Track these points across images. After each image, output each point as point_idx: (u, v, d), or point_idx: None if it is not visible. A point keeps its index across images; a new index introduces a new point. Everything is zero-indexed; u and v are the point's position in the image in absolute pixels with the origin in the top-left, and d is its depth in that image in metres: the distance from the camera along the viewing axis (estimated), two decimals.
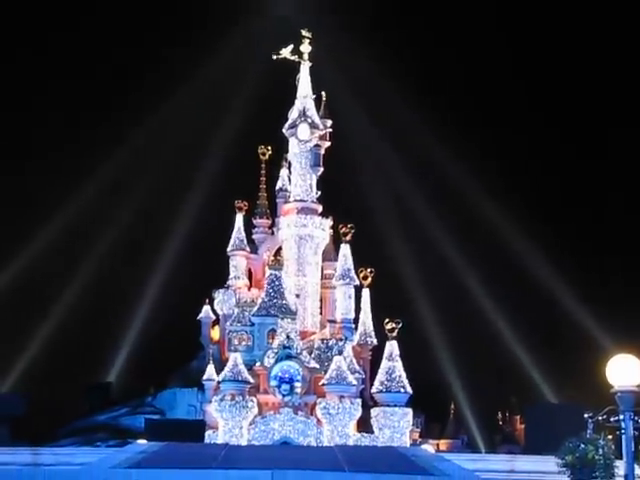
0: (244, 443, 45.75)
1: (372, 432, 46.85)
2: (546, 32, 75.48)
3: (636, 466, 23.50)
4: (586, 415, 26.17)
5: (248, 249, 55.82)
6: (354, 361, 50.22)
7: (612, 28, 73.72)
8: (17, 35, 73.79)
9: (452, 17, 75.56)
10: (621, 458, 24.90)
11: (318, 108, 56.09)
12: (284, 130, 55.41)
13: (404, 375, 47.25)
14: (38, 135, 72.11)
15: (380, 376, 47.34)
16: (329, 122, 56.52)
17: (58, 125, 72.36)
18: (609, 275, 69.58)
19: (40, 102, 72.14)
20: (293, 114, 55.26)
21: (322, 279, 55.22)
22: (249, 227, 57.13)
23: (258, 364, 49.29)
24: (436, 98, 72.00)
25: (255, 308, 51.38)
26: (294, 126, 54.93)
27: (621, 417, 23.57)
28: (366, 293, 53.97)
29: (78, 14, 73.72)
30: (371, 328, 53.66)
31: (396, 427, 46.50)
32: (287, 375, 48.44)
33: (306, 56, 56.31)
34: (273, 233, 56.78)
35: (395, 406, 46.71)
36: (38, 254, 64.95)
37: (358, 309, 53.62)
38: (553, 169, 73.73)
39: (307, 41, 56.25)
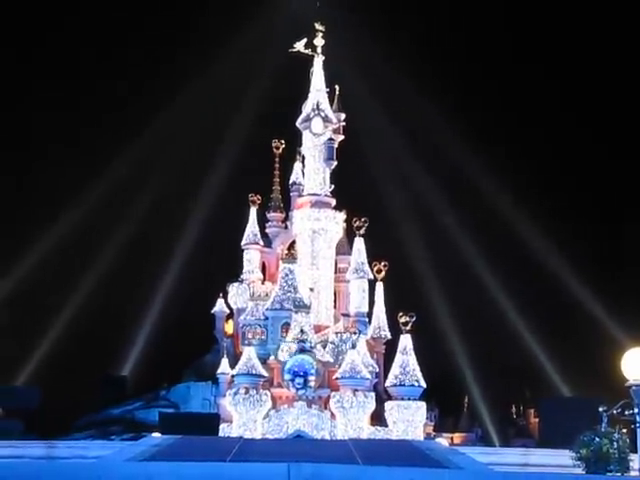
0: (258, 436, 45.84)
1: (386, 426, 46.88)
2: (563, 24, 75.15)
3: None
4: (601, 409, 26.13)
5: (262, 243, 55.89)
6: (368, 355, 50.25)
7: None
8: (35, 19, 73.82)
9: (466, 12, 75.35)
10: (636, 451, 24.93)
11: (332, 102, 56.11)
12: (298, 124, 55.41)
13: (418, 369, 47.21)
14: (55, 127, 72.15)
15: (394, 370, 47.32)
16: (342, 116, 56.53)
17: (72, 118, 72.48)
18: (624, 268, 69.35)
19: (54, 95, 72.24)
20: (307, 108, 55.26)
21: (336, 273, 55.22)
22: (263, 221, 57.21)
23: (272, 358, 49.37)
24: (451, 92, 71.90)
25: (269, 302, 51.43)
26: (308, 120, 54.92)
27: (636, 410, 23.59)
28: (380, 287, 54.02)
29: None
30: (385, 322, 53.74)
31: (410, 421, 46.48)
32: (301, 369, 48.48)
33: (319, 50, 56.32)
34: (287, 227, 56.85)
35: (409, 400, 46.70)
36: (52, 247, 65.23)
37: (372, 303, 53.66)
38: (569, 163, 73.43)
39: (320, 35, 56.26)
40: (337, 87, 56.79)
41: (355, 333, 50.39)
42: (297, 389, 48.21)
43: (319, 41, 56.24)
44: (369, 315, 53.20)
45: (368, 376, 47.84)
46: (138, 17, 73.18)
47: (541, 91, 75.86)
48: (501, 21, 76.07)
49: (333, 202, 54.81)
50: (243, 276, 54.80)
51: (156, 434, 41.83)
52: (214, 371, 50.96)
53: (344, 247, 55.63)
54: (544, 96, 75.59)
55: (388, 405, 46.96)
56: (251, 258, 55.35)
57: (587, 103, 74.58)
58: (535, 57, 76.64)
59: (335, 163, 55.19)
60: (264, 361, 48.77)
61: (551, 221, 67.31)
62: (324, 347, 49.81)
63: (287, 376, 48.53)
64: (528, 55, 76.46)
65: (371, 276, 53.16)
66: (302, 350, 48.78)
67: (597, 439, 25.63)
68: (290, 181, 58.35)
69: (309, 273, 53.39)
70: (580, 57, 76.05)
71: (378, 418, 47.76)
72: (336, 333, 50.95)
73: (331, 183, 55.26)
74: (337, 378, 47.52)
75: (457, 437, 58.97)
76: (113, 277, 66.61)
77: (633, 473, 25.18)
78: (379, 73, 68.27)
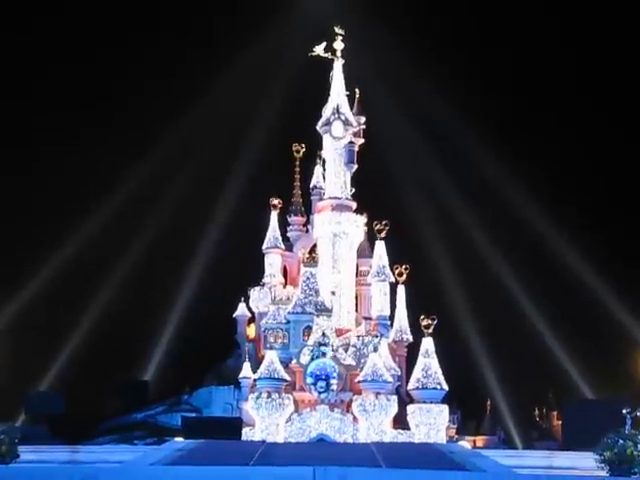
0: (280, 440, 45.86)
1: (408, 429, 46.80)
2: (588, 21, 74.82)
3: None
4: (624, 411, 26.07)
5: (283, 247, 55.99)
6: (390, 358, 50.25)
7: None
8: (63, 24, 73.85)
9: (489, 12, 75.13)
10: None
11: (352, 105, 56.11)
12: (318, 127, 55.45)
13: (440, 372, 47.15)
14: (77, 132, 72.35)
15: (416, 373, 47.28)
16: (363, 119, 56.52)
17: (95, 121, 72.65)
18: None
19: (66, 102, 72.43)
20: (327, 111, 55.26)
21: (357, 276, 55.26)
22: (284, 225, 57.33)
23: (294, 362, 49.37)
24: (471, 93, 71.73)
25: (290, 305, 51.44)
26: (328, 123, 54.93)
27: None
28: (401, 290, 53.99)
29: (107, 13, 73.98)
30: (406, 325, 53.72)
31: (432, 424, 46.38)
32: (323, 372, 48.46)
33: (339, 53, 56.34)
34: (308, 231, 56.93)
35: (431, 403, 46.64)
36: (74, 254, 65.46)
37: (393, 306, 53.64)
38: (595, 165, 72.98)
39: (340, 38, 56.28)
40: (357, 90, 56.81)
41: (377, 336, 50.36)
42: (319, 393, 48.19)
43: (339, 44, 56.26)
44: (391, 318, 53.19)
45: (390, 379, 47.77)
46: (158, 22, 73.40)
47: (571, 84, 75.49)
48: (521, 19, 75.77)
49: (354, 205, 54.81)
50: (264, 280, 54.90)
51: (179, 438, 42.04)
52: (236, 375, 51.01)
53: (365, 250, 55.61)
54: (573, 88, 75.20)
55: (410, 408, 46.88)
56: (272, 262, 55.47)
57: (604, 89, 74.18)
58: (569, 47, 76.24)
59: (356, 166, 55.23)
60: (286, 365, 48.76)
61: (574, 222, 67.09)
62: (346, 350, 49.78)
63: (309, 380, 48.53)
64: (557, 48, 76.10)
65: (392, 279, 53.16)
66: (324, 354, 48.77)
67: (621, 441, 25.61)
68: (311, 185, 58.44)
69: (330, 277, 53.38)
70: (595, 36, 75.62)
71: (400, 421, 47.67)
72: (358, 336, 50.94)
73: (352, 186, 55.29)
74: (359, 381, 47.47)
75: (480, 440, 58.72)
76: (135, 282, 66.79)
77: None
78: (399, 76, 68.20)
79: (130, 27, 73.43)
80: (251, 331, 55.50)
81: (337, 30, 56.26)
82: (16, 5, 72.15)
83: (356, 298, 54.92)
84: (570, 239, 66.77)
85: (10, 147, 69.88)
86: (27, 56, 73.73)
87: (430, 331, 47.59)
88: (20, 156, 70.39)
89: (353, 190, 55.28)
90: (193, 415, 50.06)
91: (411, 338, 53.24)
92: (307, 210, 57.83)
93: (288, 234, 57.50)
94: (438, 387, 46.82)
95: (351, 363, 49.16)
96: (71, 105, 72.29)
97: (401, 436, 46.58)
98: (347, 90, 55.94)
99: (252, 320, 55.50)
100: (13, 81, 71.35)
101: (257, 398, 46.91)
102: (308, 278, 51.55)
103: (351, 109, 55.76)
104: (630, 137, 73.64)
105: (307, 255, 53.01)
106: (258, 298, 54.43)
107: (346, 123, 54.84)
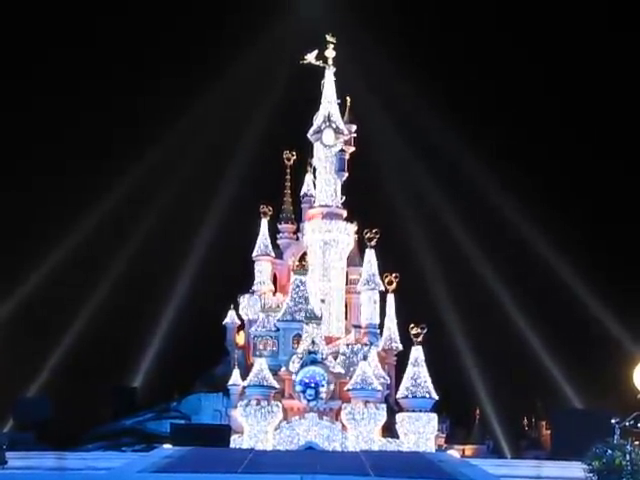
0: (269, 448, 45.83)
1: (397, 437, 46.83)
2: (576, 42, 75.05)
3: None
4: (613, 421, 26.01)
5: (273, 254, 55.98)
6: (379, 366, 50.28)
7: None
8: (47, 35, 73.71)
9: (481, 24, 75.30)
10: None
11: (343, 113, 56.15)
12: (309, 135, 55.50)
13: (429, 380, 47.21)
14: (66, 137, 72.16)
15: (405, 381, 47.32)
16: (354, 127, 56.59)
17: (85, 125, 72.48)
18: (638, 280, 68.97)
19: (64, 105, 72.26)
20: (318, 119, 55.31)
21: (347, 284, 55.29)
22: (274, 232, 57.27)
23: (283, 369, 49.36)
24: (462, 101, 71.84)
25: (280, 313, 51.45)
26: (319, 131, 54.99)
27: None
28: (391, 298, 54.05)
29: (99, 16, 73.86)
30: (396, 333, 53.75)
31: (421, 432, 46.44)
32: (312, 380, 48.45)
33: (331, 61, 56.41)
34: (298, 238, 56.90)
35: (420, 411, 46.65)
36: (64, 259, 65.29)
37: (383, 314, 53.66)
38: (587, 176, 73.06)
39: (331, 46, 56.35)
40: (348, 98, 56.89)
41: (366, 344, 50.42)
42: (308, 400, 48.17)
43: (330, 52, 56.34)
44: (380, 326, 53.21)
45: (379, 388, 47.79)
46: (151, 32, 73.26)
47: (551, 91, 75.66)
48: (512, 35, 75.94)
49: (344, 213, 54.84)
50: (254, 287, 54.90)
51: (167, 445, 41.91)
52: (225, 382, 50.98)
53: (355, 258, 55.63)
54: (554, 98, 75.41)
55: (399, 417, 46.91)
56: (262, 269, 55.45)
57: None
58: (553, 62, 76.50)
59: (346, 174, 55.29)
60: (275, 372, 48.78)
61: (565, 233, 67.09)
62: (335, 358, 49.79)
63: (298, 387, 48.51)
64: (545, 62, 76.31)
65: (382, 287, 53.19)
66: (313, 361, 48.76)
67: (609, 451, 25.51)
68: (301, 192, 58.40)
69: (320, 284, 53.42)
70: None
71: (389, 430, 47.69)
72: (347, 344, 50.97)
73: (342, 194, 55.33)
74: (348, 389, 47.49)
75: (469, 449, 58.72)
76: (124, 288, 66.63)
77: None
78: (390, 84, 68.23)
79: (127, 38, 73.43)
80: (240, 338, 55.46)
81: (329, 38, 56.34)
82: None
83: (346, 306, 54.94)
84: (559, 248, 66.86)
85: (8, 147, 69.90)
86: (28, 41, 73.80)
87: (419, 340, 47.63)
88: (18, 156, 70.46)
89: (343, 198, 55.32)
90: (182, 422, 49.96)
91: (400, 346, 53.25)
92: (297, 218, 57.79)
93: (278, 242, 57.44)
94: (427, 396, 46.86)
95: (340, 371, 49.16)
96: (69, 104, 72.19)
97: (390, 445, 46.63)
98: (338, 98, 56.02)
99: (241, 327, 55.49)
100: (12, 78, 71.43)
101: (246, 405, 46.94)
102: (298, 286, 51.55)
103: (342, 117, 55.84)
104: (621, 141, 73.98)
105: (297, 263, 53.02)
106: (248, 305, 54.43)
107: (337, 131, 54.90)
